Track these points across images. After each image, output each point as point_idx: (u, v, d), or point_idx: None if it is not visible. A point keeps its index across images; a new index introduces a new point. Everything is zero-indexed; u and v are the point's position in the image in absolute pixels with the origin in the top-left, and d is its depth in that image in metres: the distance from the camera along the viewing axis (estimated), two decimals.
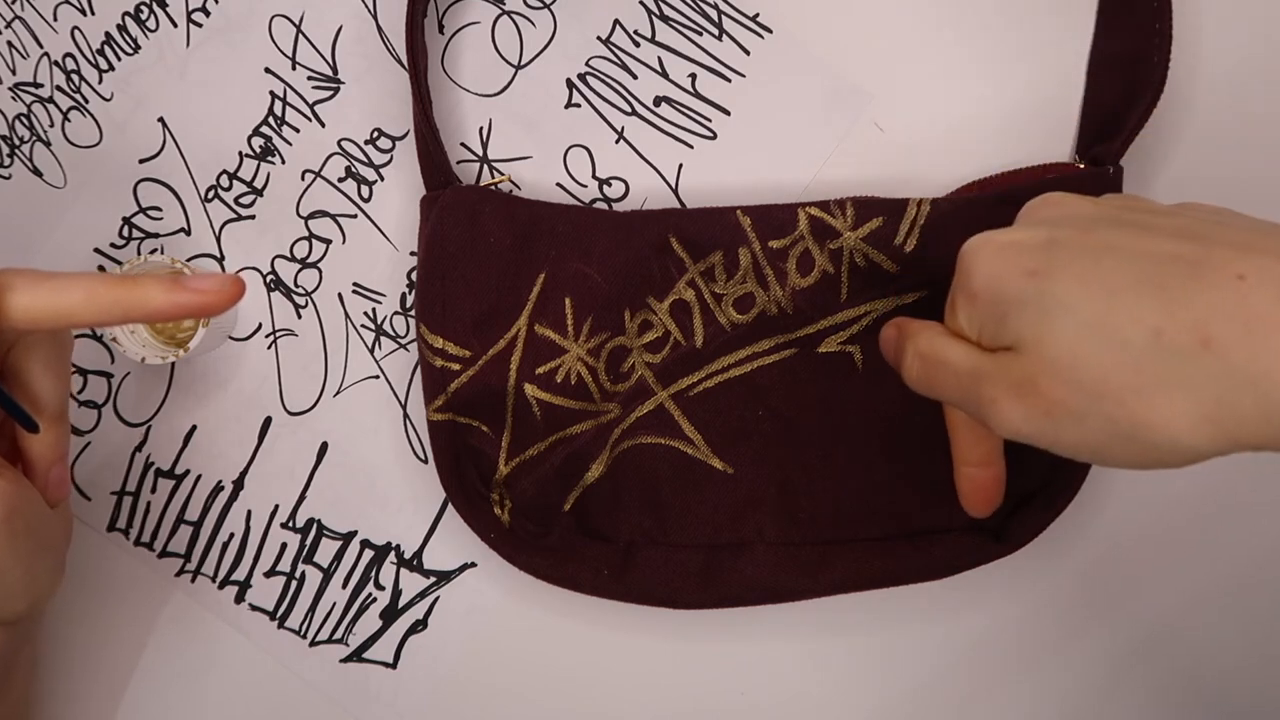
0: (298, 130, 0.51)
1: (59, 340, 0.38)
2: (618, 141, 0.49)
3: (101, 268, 0.52)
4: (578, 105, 0.49)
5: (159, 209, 0.51)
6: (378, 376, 0.50)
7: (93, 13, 0.53)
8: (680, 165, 0.49)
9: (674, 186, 0.49)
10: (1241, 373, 0.26)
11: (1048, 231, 0.31)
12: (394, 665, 0.49)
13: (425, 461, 0.49)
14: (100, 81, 0.52)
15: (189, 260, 0.50)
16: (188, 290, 0.35)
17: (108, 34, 0.53)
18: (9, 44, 0.53)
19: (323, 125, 0.51)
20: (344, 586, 0.49)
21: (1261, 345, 0.26)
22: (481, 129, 0.50)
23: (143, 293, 0.34)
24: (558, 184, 0.49)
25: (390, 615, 0.49)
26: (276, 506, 0.50)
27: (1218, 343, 0.26)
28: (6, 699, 0.43)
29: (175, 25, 0.52)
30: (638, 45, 0.49)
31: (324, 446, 0.50)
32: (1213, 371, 0.26)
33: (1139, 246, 0.29)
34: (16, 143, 0.53)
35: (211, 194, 0.51)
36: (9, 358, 0.36)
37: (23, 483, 0.37)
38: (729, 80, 0.49)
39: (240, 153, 0.51)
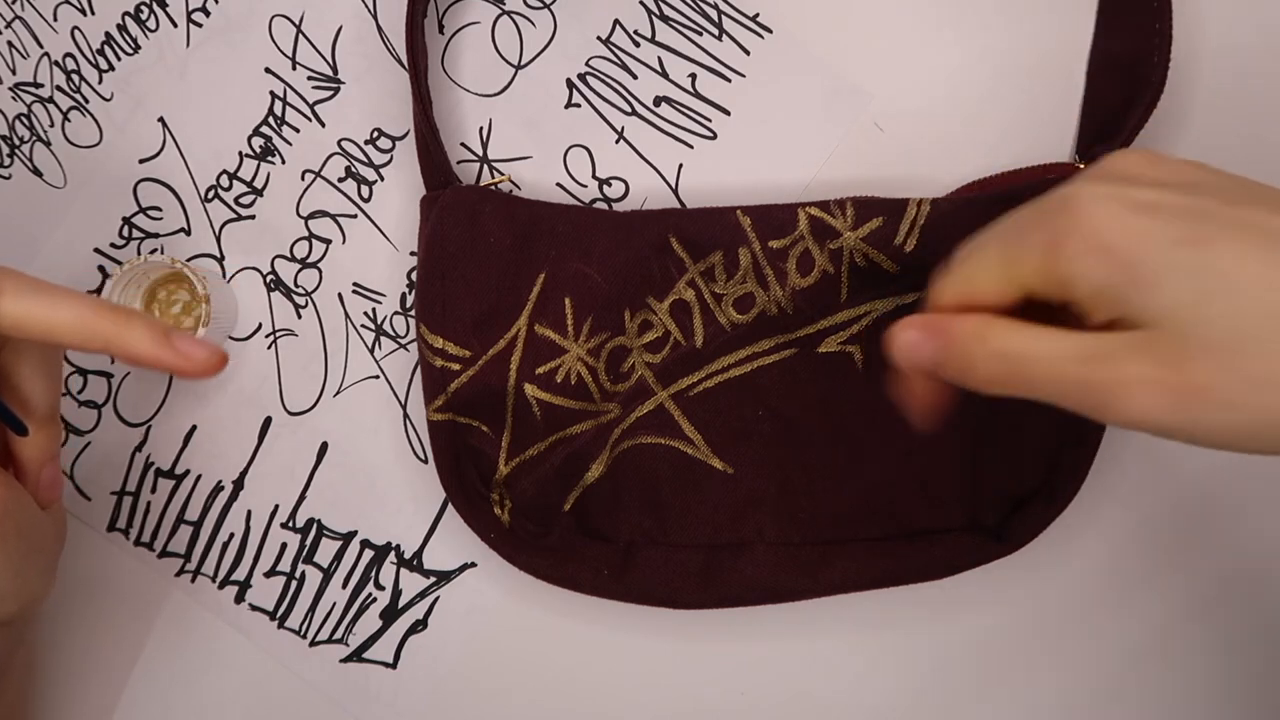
0: (298, 130, 0.51)
1: (50, 345, 0.37)
2: (618, 141, 0.49)
3: (101, 268, 0.52)
4: (578, 105, 0.49)
5: (159, 209, 0.51)
6: (378, 376, 0.50)
7: (93, 13, 0.53)
8: (680, 165, 0.49)
9: (674, 186, 0.49)
10: None
11: (1187, 197, 0.28)
12: (394, 665, 0.49)
13: (425, 461, 0.49)
14: (100, 81, 0.52)
15: (189, 260, 0.50)
16: (173, 349, 0.35)
17: (108, 34, 0.53)
18: (9, 44, 0.53)
19: (323, 125, 0.51)
20: (344, 586, 0.49)
21: None
22: (481, 129, 0.50)
23: (131, 336, 0.34)
24: (558, 184, 0.49)
25: (390, 615, 0.49)
26: (276, 506, 0.50)
27: None
28: (4, 698, 0.43)
29: (175, 25, 0.52)
30: (638, 45, 0.49)
31: (324, 446, 0.50)
32: None
33: None
34: (16, 143, 0.53)
35: (211, 194, 0.51)
36: None
37: (13, 485, 0.36)
38: (729, 80, 0.49)
39: (240, 153, 0.51)
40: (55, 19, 0.53)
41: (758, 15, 0.49)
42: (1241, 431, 0.26)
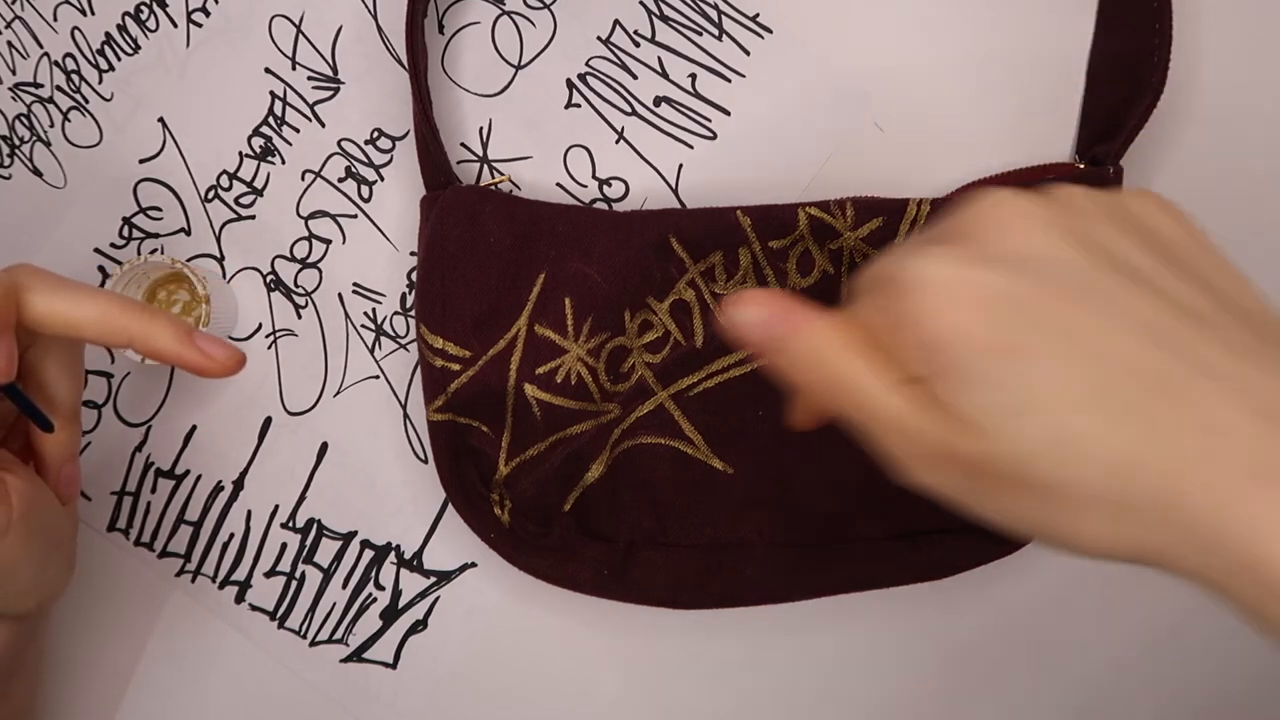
0: (298, 130, 0.51)
1: (74, 341, 0.38)
2: (618, 141, 0.49)
3: (102, 268, 0.52)
4: (578, 105, 0.49)
5: (159, 209, 0.51)
6: (378, 376, 0.50)
7: (93, 13, 0.53)
8: (680, 165, 0.49)
9: (674, 186, 0.49)
10: (1204, 537, 0.23)
11: (1020, 283, 0.25)
12: (394, 665, 0.49)
13: (425, 461, 0.49)
14: (100, 81, 0.52)
15: (189, 260, 0.50)
16: (195, 347, 0.36)
17: (108, 34, 0.52)
18: (9, 44, 0.53)
19: (323, 125, 0.51)
20: (344, 586, 0.49)
21: (1229, 515, 0.23)
22: (481, 129, 0.50)
23: (155, 332, 0.35)
24: (558, 184, 0.49)
25: (390, 615, 0.49)
26: (276, 506, 0.50)
27: (1182, 500, 0.23)
28: (12, 696, 0.43)
29: (175, 25, 0.52)
30: (638, 45, 0.49)
31: (324, 446, 0.50)
32: (1170, 523, 0.24)
33: (1113, 343, 0.25)
34: (16, 143, 0.53)
35: (211, 194, 0.51)
36: (25, 357, 0.37)
37: (37, 482, 0.37)
38: (729, 80, 0.49)
39: (240, 153, 0.51)
40: (55, 19, 0.53)
41: (758, 15, 0.49)
42: (1011, 523, 0.26)
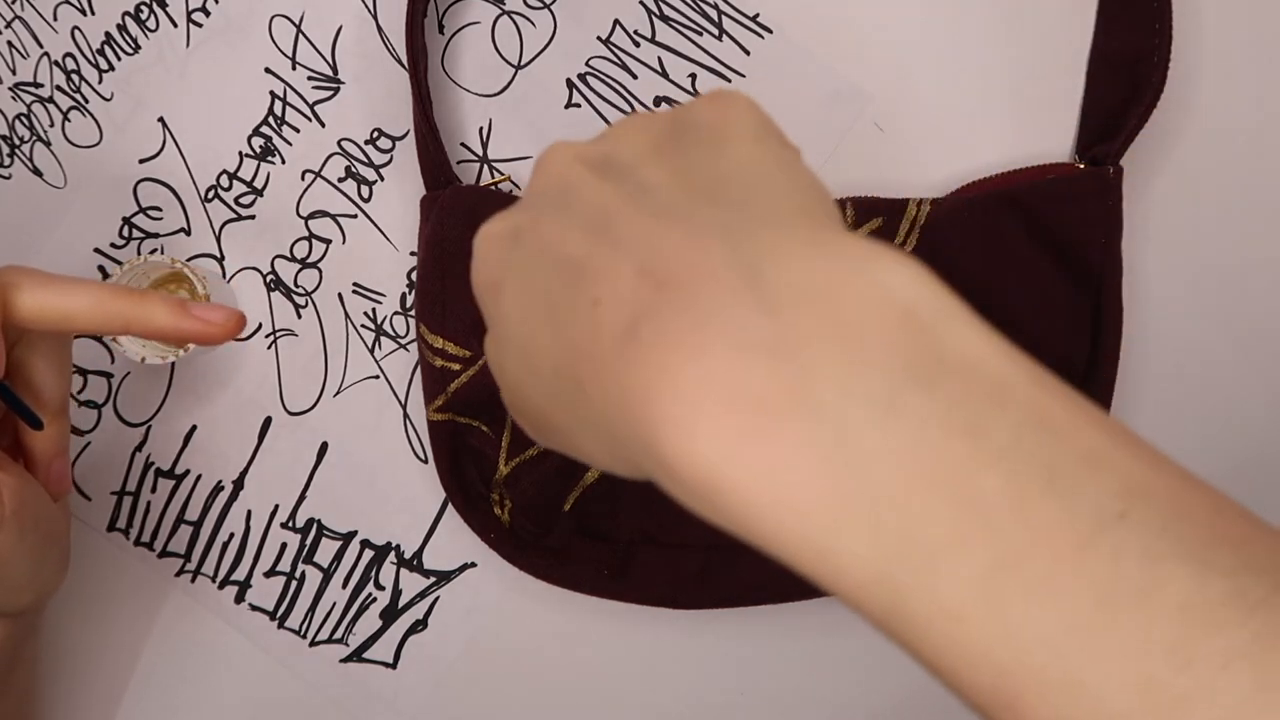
0: (298, 130, 0.51)
1: (61, 337, 0.38)
2: None
3: (102, 268, 0.52)
4: (578, 105, 0.49)
5: (159, 209, 0.51)
6: (378, 376, 0.50)
7: (93, 13, 0.53)
8: None
9: None
10: (609, 422, 0.21)
11: (519, 218, 0.25)
12: (394, 665, 0.49)
13: (425, 461, 0.49)
14: (100, 81, 0.52)
15: (189, 260, 0.50)
16: (192, 317, 0.36)
17: (108, 34, 0.52)
18: (9, 44, 0.53)
19: (323, 125, 0.51)
20: (344, 586, 0.49)
21: (613, 392, 0.20)
22: (481, 129, 0.50)
23: (149, 311, 0.36)
24: None
25: (390, 615, 0.49)
26: (276, 506, 0.50)
27: (586, 386, 0.21)
28: (10, 694, 0.43)
29: (175, 25, 0.52)
30: (638, 45, 0.49)
31: (324, 446, 0.50)
32: (594, 417, 0.22)
33: (554, 247, 0.23)
34: (16, 143, 0.53)
35: (211, 194, 0.51)
36: (11, 354, 0.37)
37: (28, 478, 0.37)
38: (729, 80, 0.49)
39: (240, 153, 0.51)
40: (55, 19, 0.53)
41: (758, 15, 0.49)
42: (583, 459, 0.25)
